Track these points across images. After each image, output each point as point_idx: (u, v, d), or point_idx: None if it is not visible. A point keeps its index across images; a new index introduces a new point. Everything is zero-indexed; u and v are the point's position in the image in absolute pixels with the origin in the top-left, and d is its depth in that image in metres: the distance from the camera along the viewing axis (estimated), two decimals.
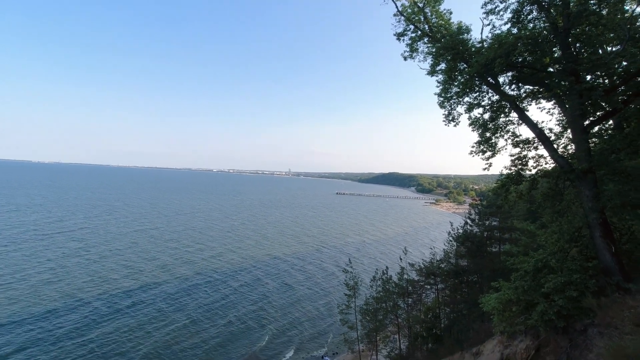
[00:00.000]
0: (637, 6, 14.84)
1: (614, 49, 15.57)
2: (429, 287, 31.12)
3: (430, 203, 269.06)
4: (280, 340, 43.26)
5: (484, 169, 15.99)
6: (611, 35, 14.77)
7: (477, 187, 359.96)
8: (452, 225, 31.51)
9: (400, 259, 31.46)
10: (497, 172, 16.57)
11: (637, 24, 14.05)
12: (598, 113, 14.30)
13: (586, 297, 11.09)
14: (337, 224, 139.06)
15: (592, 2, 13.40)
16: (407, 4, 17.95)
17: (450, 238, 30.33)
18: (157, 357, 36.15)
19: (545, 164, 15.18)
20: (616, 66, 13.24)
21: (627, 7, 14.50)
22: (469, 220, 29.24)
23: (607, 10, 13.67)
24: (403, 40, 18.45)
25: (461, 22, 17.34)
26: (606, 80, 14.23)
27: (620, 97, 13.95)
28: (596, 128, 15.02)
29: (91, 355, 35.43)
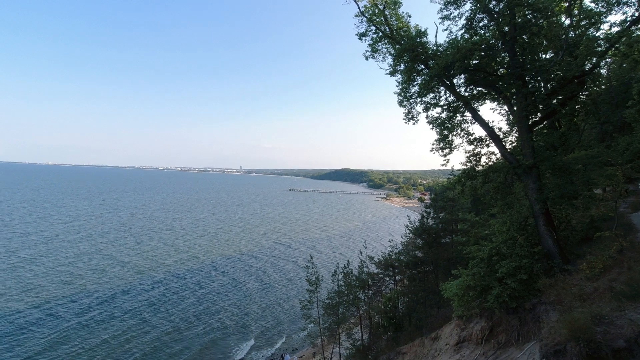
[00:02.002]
0: (566, 18, 16.78)
1: (548, 57, 17.49)
2: (387, 278, 32.55)
3: (382, 198, 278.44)
4: (262, 340, 42.98)
5: (442, 165, 17.14)
6: (544, 43, 16.58)
7: (425, 182, 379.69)
8: (409, 219, 33.17)
9: (361, 253, 32.52)
10: (444, 168, 17.83)
11: (570, 35, 15.89)
12: (539, 114, 15.98)
13: (540, 278, 12.42)
14: (296, 220, 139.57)
15: (533, 14, 14.85)
16: (368, 5, 18.54)
17: (408, 231, 31.96)
18: None
19: (496, 160, 16.63)
20: (555, 73, 14.89)
21: (562, 20, 16.35)
22: (425, 214, 31.03)
23: (546, 22, 15.30)
24: (365, 40, 19.02)
25: (418, 25, 18.33)
26: (548, 85, 15.86)
27: (557, 101, 15.74)
28: (538, 127, 16.75)
29: None
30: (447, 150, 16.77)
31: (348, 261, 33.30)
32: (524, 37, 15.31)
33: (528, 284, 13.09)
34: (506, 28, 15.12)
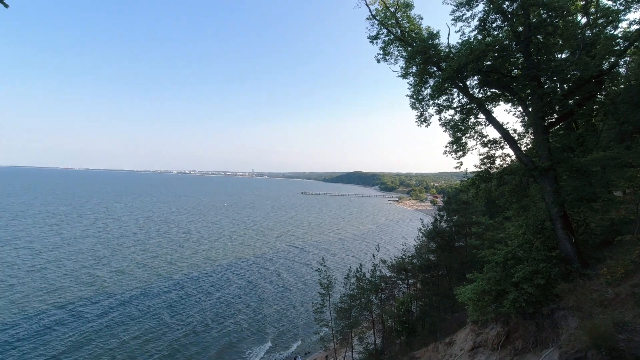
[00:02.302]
0: (582, 17, 16.42)
1: (563, 56, 17.13)
2: (400, 282, 32.21)
3: (394, 201, 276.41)
4: (278, 342, 43.23)
5: (456, 168, 16.91)
6: (560, 43, 16.23)
7: (437, 184, 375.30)
8: (422, 222, 32.80)
9: (373, 256, 32.27)
10: (457, 170, 17.46)
11: (587, 34, 15.54)
12: (555, 115, 15.65)
13: (558, 283, 12.12)
14: (308, 223, 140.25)
15: (549, 14, 14.56)
16: (380, 8, 18.53)
17: (421, 234, 31.60)
18: None
19: (511, 162, 16.33)
20: (571, 73, 14.56)
21: (579, 19, 16.01)
22: (438, 217, 30.64)
23: (561, 21, 14.99)
24: (376, 43, 19.01)
25: (430, 27, 18.23)
26: (564, 85, 15.52)
27: (574, 101, 15.39)
28: (554, 128, 16.40)
29: None
30: (460, 153, 16.54)
31: (360, 264, 33.10)
32: (539, 37, 15.03)
33: (546, 289, 12.78)
34: (520, 28, 14.89)
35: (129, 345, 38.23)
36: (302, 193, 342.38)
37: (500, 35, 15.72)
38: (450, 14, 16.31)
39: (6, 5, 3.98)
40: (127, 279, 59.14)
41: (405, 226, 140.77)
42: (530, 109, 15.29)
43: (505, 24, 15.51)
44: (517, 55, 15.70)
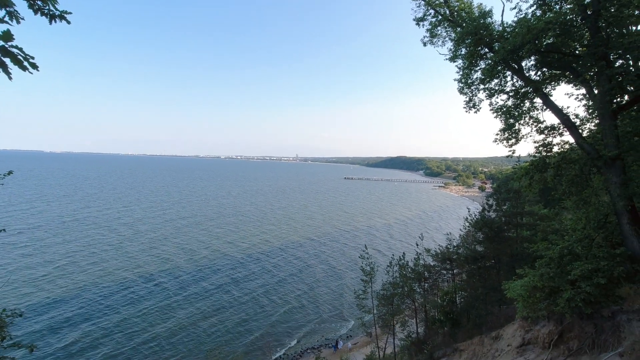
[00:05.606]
0: None
1: None
2: (444, 272, 31.38)
3: (439, 187, 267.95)
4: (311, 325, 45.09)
5: (508, 157, 15.85)
6: (637, 13, 14.25)
7: (486, 169, 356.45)
8: (469, 211, 31.41)
9: (417, 245, 31.66)
10: (508, 154, 16.13)
11: None
12: (627, 97, 13.98)
13: (622, 284, 11.15)
14: (352, 208, 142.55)
15: None
16: None
17: (468, 224, 30.31)
18: (227, 334, 40.32)
19: (571, 150, 14.95)
20: None
21: None
22: (486, 206, 29.12)
23: None
24: (423, 25, 18.10)
25: (482, 4, 16.96)
26: (639, 63, 13.77)
27: None
28: (625, 112, 14.68)
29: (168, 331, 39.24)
30: (513, 141, 15.42)
31: (404, 252, 32.66)
32: (611, 9, 13.36)
33: (607, 289, 11.76)
34: (587, 0, 13.33)
35: (231, 321, 42.99)
36: (345, 178, 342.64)
37: (564, 9, 14.21)
38: None
39: (68, 22, 4.33)
40: (219, 261, 65.52)
41: (450, 213, 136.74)
42: (595, 91, 13.82)
43: None
44: (583, 31, 14.10)
